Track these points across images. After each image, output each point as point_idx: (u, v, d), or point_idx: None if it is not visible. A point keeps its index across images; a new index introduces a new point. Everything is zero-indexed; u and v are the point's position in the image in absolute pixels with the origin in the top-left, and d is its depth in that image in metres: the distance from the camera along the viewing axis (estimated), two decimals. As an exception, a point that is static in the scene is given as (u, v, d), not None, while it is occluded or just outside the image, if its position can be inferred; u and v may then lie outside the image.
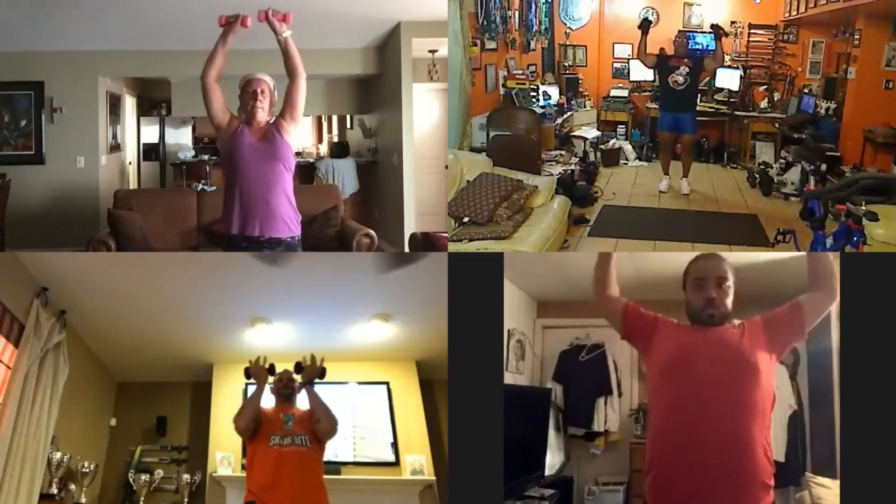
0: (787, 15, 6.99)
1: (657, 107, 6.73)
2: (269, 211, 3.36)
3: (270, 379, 3.37)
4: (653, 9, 7.62)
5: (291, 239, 3.43)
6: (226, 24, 3.37)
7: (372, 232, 5.91)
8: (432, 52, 7.97)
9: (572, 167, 6.16)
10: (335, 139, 11.60)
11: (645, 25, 5.93)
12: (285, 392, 3.32)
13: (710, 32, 6.08)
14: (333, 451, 4.01)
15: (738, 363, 2.25)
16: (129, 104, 10.23)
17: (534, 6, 7.18)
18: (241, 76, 3.49)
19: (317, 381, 3.35)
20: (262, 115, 3.43)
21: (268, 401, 3.33)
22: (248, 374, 3.41)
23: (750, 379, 2.24)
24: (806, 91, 6.82)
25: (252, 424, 3.17)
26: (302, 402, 3.35)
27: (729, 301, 2.35)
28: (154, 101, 11.05)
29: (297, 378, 3.36)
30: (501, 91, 6.86)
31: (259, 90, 3.42)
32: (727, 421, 2.20)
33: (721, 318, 2.34)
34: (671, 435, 2.26)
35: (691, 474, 2.19)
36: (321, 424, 3.20)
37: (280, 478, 3.06)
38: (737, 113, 7.28)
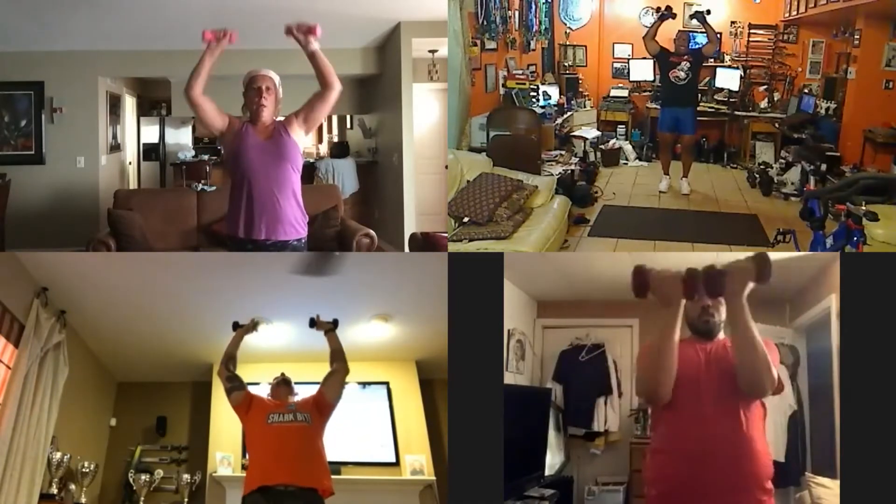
0: (787, 15, 6.99)
1: (657, 107, 6.73)
2: (275, 213, 3.28)
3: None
4: (653, 8, 7.62)
5: (298, 241, 3.36)
6: (213, 40, 3.24)
7: (372, 232, 5.91)
8: (432, 52, 7.97)
9: (572, 167, 6.16)
10: (335, 139, 11.60)
11: (664, 15, 5.90)
12: (284, 391, 3.32)
13: (694, 20, 6.06)
14: (333, 451, 4.00)
15: (733, 374, 2.27)
16: (129, 104, 10.23)
17: (534, 6, 7.19)
18: (245, 73, 3.41)
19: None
20: (268, 112, 3.33)
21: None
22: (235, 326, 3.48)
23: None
24: (806, 91, 6.82)
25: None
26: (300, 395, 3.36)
27: (723, 309, 2.37)
28: (154, 101, 11.05)
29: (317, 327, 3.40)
30: (501, 91, 6.86)
31: (264, 87, 3.32)
32: (729, 430, 2.24)
33: (716, 325, 2.40)
34: (675, 449, 2.30)
35: (695, 487, 2.22)
36: (341, 364, 3.25)
37: (283, 452, 3.01)
38: (737, 113, 7.28)
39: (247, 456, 3.31)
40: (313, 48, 3.26)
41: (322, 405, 3.20)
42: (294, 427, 3.09)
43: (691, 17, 6.08)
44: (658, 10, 5.98)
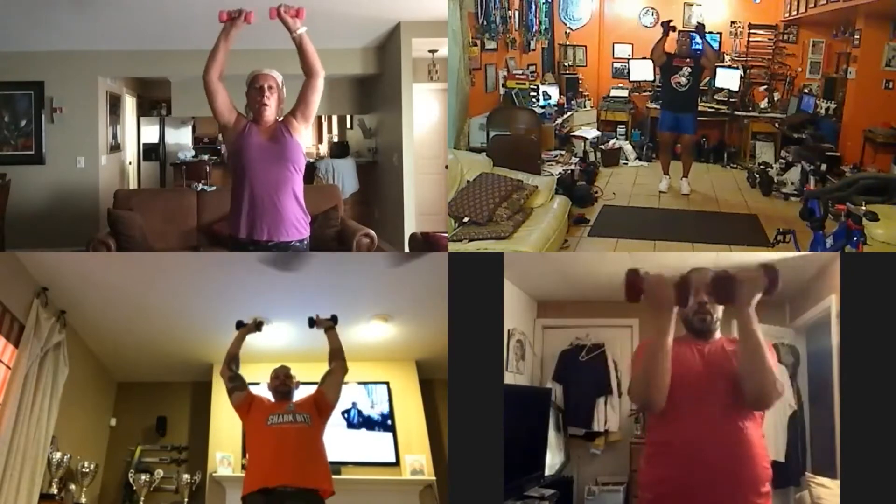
0: (787, 15, 7.00)
1: (657, 107, 6.73)
2: (277, 214, 3.26)
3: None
4: (653, 9, 7.63)
5: (300, 242, 3.34)
6: (228, 21, 3.27)
7: (372, 232, 5.91)
8: (432, 52, 7.97)
9: (572, 167, 6.16)
10: (335, 139, 11.60)
11: (666, 28, 5.97)
12: (283, 390, 3.32)
13: (697, 32, 6.13)
14: (333, 451, 4.01)
15: (732, 374, 2.24)
16: (129, 104, 10.23)
17: (534, 6, 7.19)
18: (248, 73, 3.40)
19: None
20: (270, 112, 3.32)
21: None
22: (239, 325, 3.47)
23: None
24: (806, 91, 6.82)
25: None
26: (299, 395, 3.36)
27: (720, 309, 2.36)
28: (154, 101, 11.05)
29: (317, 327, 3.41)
30: (501, 91, 6.86)
31: (266, 86, 3.31)
32: (725, 433, 2.20)
33: (712, 323, 2.35)
34: (669, 453, 2.25)
35: (690, 491, 2.19)
36: (340, 362, 3.27)
37: (282, 454, 3.01)
38: (737, 113, 7.28)
39: (247, 456, 3.31)
40: (300, 32, 3.27)
41: (322, 405, 3.21)
42: (293, 428, 3.09)
43: (695, 28, 6.12)
44: (662, 24, 6.06)
